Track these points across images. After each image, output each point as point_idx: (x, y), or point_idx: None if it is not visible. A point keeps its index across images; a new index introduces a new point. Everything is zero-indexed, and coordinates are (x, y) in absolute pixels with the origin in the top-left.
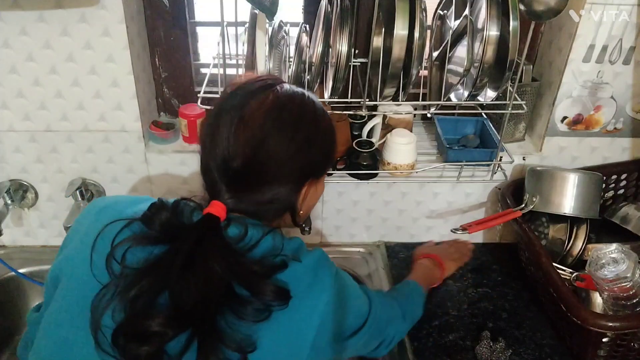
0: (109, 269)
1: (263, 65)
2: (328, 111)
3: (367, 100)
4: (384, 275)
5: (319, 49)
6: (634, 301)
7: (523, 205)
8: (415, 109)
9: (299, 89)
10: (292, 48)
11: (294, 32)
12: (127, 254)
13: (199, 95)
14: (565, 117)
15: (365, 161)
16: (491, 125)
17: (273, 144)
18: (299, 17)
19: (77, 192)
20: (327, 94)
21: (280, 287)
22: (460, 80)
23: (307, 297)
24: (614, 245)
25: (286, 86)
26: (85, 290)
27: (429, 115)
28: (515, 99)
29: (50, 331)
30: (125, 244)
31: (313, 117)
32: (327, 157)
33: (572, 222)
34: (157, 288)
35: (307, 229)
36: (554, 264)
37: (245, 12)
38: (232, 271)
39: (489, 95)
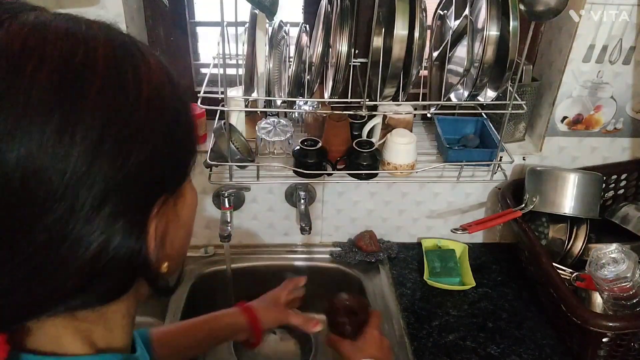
0: None
1: (263, 65)
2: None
3: (367, 100)
4: (384, 275)
5: (319, 49)
6: (634, 301)
7: (523, 205)
8: (415, 109)
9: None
10: (292, 48)
11: (294, 32)
12: None
13: (199, 95)
14: (565, 117)
15: (365, 161)
16: (491, 125)
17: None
18: (299, 17)
19: None
20: (327, 94)
21: None
22: (460, 80)
23: None
24: (614, 245)
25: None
26: None
27: (429, 115)
28: (515, 99)
29: None
30: None
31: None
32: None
33: (572, 222)
34: None
35: (307, 228)
36: (554, 264)
37: (245, 12)
38: None
39: (489, 95)
